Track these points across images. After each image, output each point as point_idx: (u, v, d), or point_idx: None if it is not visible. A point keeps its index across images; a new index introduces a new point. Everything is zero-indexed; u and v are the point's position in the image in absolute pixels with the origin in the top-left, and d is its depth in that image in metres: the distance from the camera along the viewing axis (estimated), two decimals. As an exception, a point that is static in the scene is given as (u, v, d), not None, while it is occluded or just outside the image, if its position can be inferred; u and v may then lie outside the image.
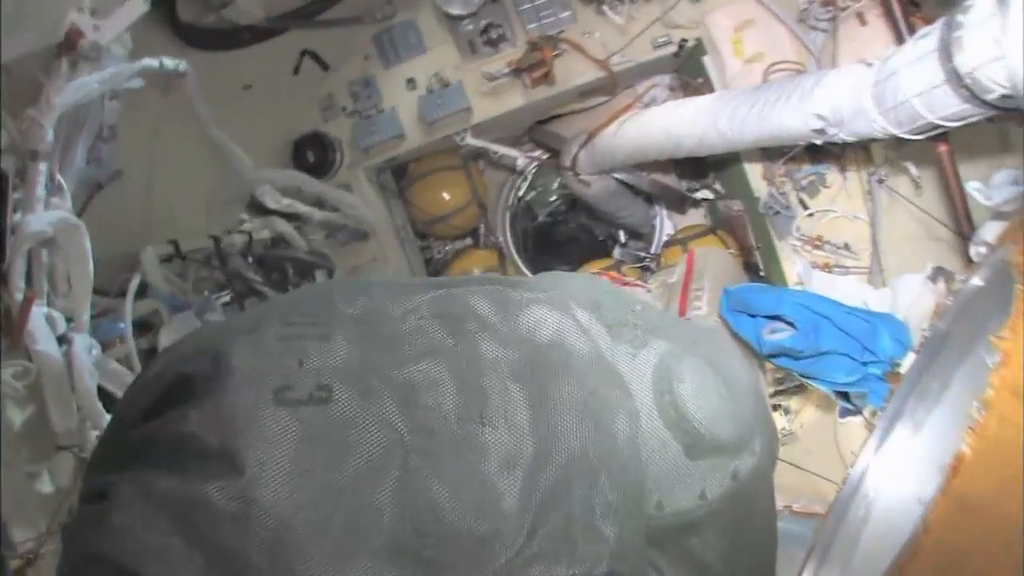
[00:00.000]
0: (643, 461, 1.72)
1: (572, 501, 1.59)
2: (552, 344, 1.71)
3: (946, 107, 3.01)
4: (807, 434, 5.85)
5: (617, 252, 7.58)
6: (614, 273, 6.15)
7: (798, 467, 4.78)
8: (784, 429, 5.89)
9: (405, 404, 1.52)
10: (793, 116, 3.91)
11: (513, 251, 7.73)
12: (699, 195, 6.75)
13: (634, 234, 7.64)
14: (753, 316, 3.96)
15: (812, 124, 3.83)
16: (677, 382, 1.77)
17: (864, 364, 3.74)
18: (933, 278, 3.82)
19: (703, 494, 1.79)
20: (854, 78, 3.55)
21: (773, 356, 3.90)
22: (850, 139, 3.82)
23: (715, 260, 5.15)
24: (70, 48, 3.26)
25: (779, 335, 3.76)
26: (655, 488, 1.74)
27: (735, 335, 4.09)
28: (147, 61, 3.86)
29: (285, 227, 5.54)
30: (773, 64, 5.05)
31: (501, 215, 7.78)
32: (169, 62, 4.11)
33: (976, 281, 2.96)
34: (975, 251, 3.35)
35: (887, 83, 3.30)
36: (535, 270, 7.65)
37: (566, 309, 1.78)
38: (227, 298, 4.95)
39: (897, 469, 3.21)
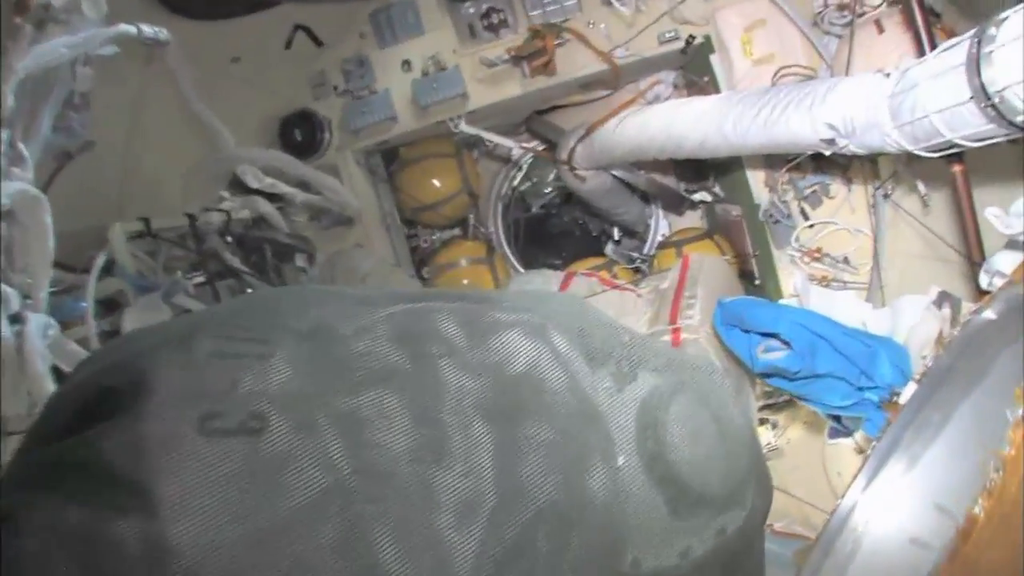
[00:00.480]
0: (620, 515, 1.51)
1: (536, 559, 1.38)
2: (525, 376, 1.50)
3: (969, 126, 2.81)
4: (794, 450, 5.74)
5: (610, 249, 7.44)
6: (604, 274, 5.96)
7: (784, 491, 4.61)
8: (770, 444, 5.77)
9: (350, 439, 1.31)
10: (802, 123, 3.72)
11: (504, 242, 7.57)
12: (697, 197, 6.57)
13: (628, 232, 7.50)
14: (747, 331, 3.78)
15: (822, 133, 3.64)
16: (664, 426, 1.56)
17: (860, 389, 3.57)
18: (938, 303, 3.63)
19: (686, 552, 1.59)
20: (869, 88, 3.35)
21: (766, 375, 3.73)
22: (860, 151, 3.62)
23: (710, 267, 4.98)
24: (22, 9, 3.03)
25: (774, 355, 3.58)
26: (632, 545, 1.53)
27: (728, 349, 3.93)
28: (122, 27, 3.63)
29: (266, 207, 5.31)
30: (783, 67, 4.88)
31: (493, 205, 7.62)
32: (148, 29, 3.88)
33: (988, 314, 2.77)
34: (987, 280, 3.16)
35: (905, 96, 3.10)
36: (525, 262, 7.54)
37: (544, 336, 1.56)
38: (201, 279, 4.74)
39: (889, 504, 3.05)
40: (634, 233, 7.46)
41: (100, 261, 3.92)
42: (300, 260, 5.54)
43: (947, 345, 3.06)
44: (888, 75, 3.32)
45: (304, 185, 5.58)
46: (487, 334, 1.52)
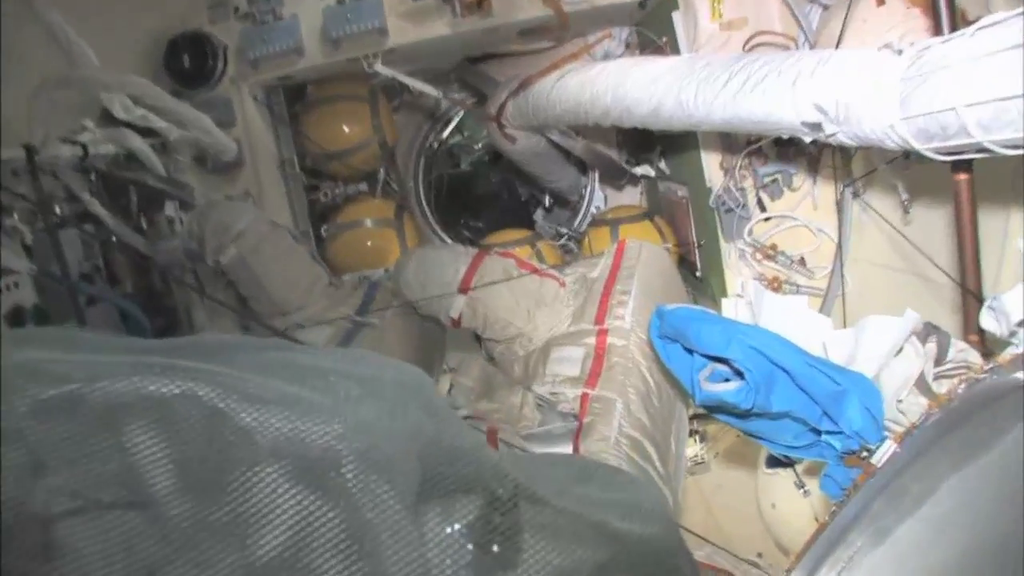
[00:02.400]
0: None
1: None
2: (283, 564, 0.74)
3: (1013, 127, 2.13)
4: (721, 467, 5.25)
5: (539, 215, 6.81)
6: (524, 252, 5.27)
7: (713, 544, 3.98)
8: (697, 456, 5.21)
9: None
10: (781, 100, 3.01)
11: (423, 200, 6.85)
12: (639, 171, 5.86)
13: (561, 200, 6.84)
14: (691, 351, 3.10)
15: (806, 116, 2.93)
16: None
17: (818, 432, 2.92)
18: (922, 337, 2.97)
19: None
20: (875, 66, 2.64)
21: (709, 408, 3.06)
22: (849, 142, 2.92)
23: (648, 258, 4.31)
24: None
25: (721, 386, 2.90)
26: None
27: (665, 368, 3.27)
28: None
29: (136, 143, 4.41)
30: (756, 34, 4.21)
31: (415, 159, 6.87)
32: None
33: (1019, 376, 2.14)
34: (997, 325, 2.51)
35: (924, 81, 2.40)
36: (445, 224, 6.85)
37: (330, 475, 0.76)
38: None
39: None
40: (567, 202, 6.82)
41: None
42: (170, 208, 4.68)
43: (946, 404, 2.44)
44: (899, 52, 2.61)
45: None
46: (222, 470, 0.74)
